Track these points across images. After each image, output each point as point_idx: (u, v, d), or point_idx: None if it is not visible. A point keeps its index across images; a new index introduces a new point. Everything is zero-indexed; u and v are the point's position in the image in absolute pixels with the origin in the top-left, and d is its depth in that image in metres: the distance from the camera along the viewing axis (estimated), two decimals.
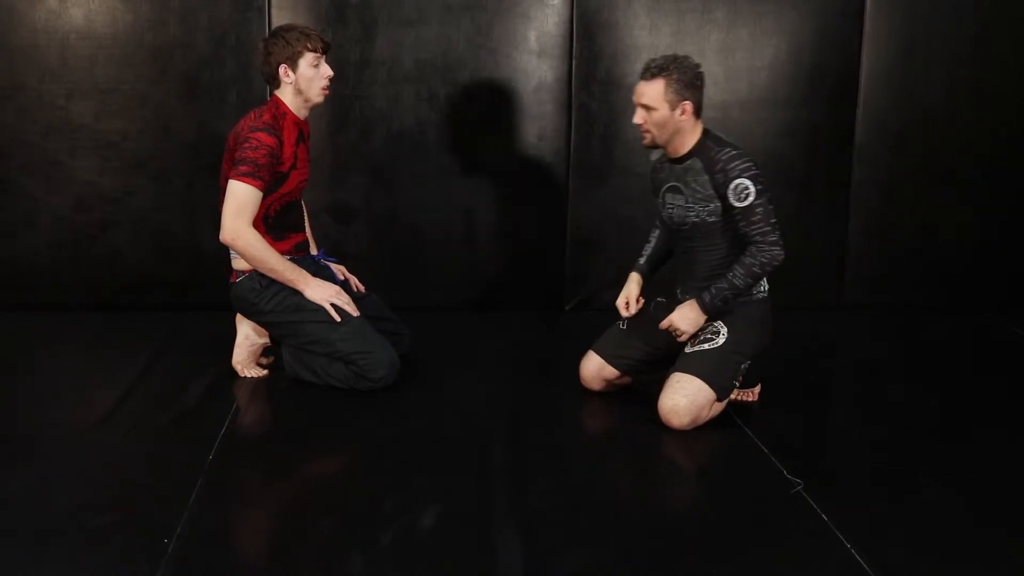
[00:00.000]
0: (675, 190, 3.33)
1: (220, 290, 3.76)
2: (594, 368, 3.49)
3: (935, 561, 2.40)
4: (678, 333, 3.28)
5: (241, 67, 4.47)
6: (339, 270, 3.82)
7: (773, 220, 3.17)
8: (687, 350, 3.25)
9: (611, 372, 3.47)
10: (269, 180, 3.41)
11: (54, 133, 4.47)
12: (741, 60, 4.62)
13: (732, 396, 3.49)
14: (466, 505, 2.65)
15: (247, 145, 3.39)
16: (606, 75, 4.61)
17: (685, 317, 3.26)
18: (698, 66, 3.26)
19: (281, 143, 3.44)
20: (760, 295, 3.34)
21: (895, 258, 4.87)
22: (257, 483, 2.84)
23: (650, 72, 3.21)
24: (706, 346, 3.22)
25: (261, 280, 3.51)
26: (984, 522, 2.62)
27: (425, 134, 4.61)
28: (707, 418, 3.19)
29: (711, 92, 4.61)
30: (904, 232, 4.85)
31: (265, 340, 3.72)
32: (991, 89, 4.73)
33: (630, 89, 4.58)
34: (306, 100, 3.54)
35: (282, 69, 3.49)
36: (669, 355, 3.33)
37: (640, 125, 3.25)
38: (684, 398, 3.14)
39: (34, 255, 4.57)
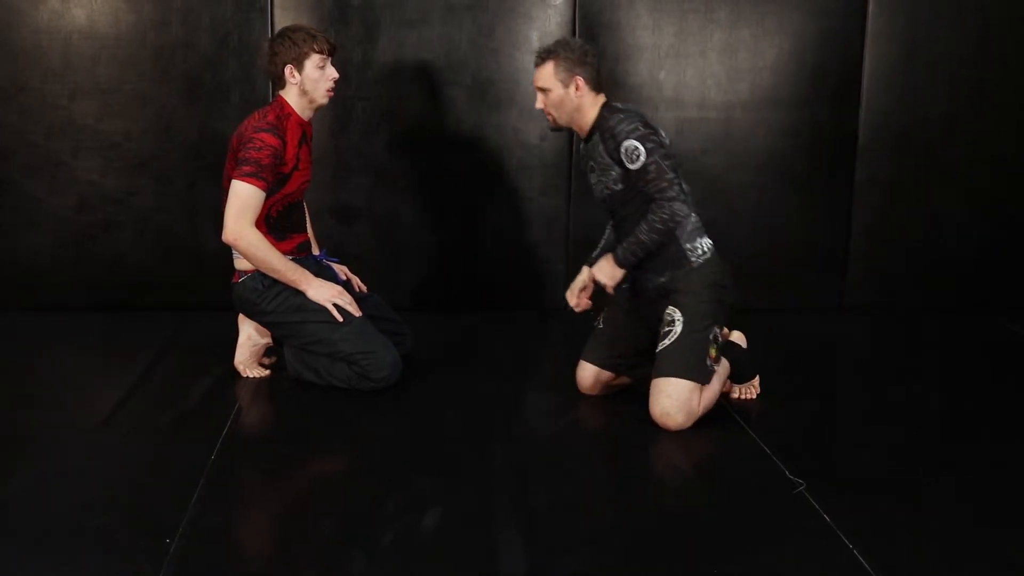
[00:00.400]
0: (591, 169, 3.39)
1: (222, 290, 3.77)
2: (590, 376, 3.49)
3: (938, 562, 2.40)
4: (602, 285, 3.34)
5: (243, 68, 4.47)
6: (341, 270, 3.82)
7: (670, 176, 3.19)
8: (657, 350, 3.25)
9: (607, 376, 3.47)
10: (272, 181, 3.42)
11: (56, 133, 4.47)
12: (743, 60, 4.62)
13: (734, 396, 3.50)
14: (468, 505, 2.65)
15: (251, 145, 3.39)
16: (608, 75, 4.59)
17: (602, 270, 3.34)
18: (586, 44, 3.38)
19: (284, 144, 3.45)
20: (700, 258, 3.32)
21: (897, 258, 4.87)
22: (259, 483, 2.84)
23: (540, 57, 3.33)
24: (667, 341, 3.22)
25: (263, 280, 3.51)
26: (987, 523, 2.61)
27: (427, 135, 4.61)
28: (703, 407, 3.20)
29: (713, 93, 4.65)
30: (906, 232, 4.85)
31: (267, 340, 3.72)
32: (993, 89, 4.73)
33: (633, 89, 4.62)
34: (311, 101, 3.54)
35: (288, 70, 3.49)
36: (655, 341, 3.33)
37: (542, 109, 3.35)
38: (669, 399, 3.15)
39: (36, 255, 4.57)
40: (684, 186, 3.29)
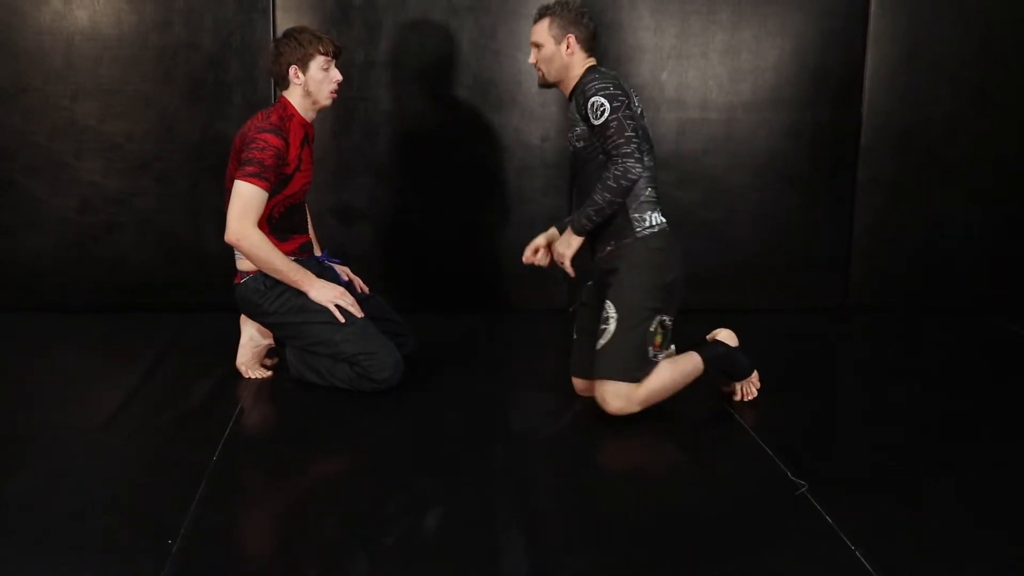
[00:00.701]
0: (571, 127, 3.43)
1: (224, 291, 3.77)
2: (581, 385, 3.51)
3: (940, 563, 2.40)
4: (560, 259, 3.38)
5: (246, 68, 4.47)
6: (343, 271, 3.83)
7: (629, 134, 3.20)
8: (598, 347, 3.26)
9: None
10: (274, 181, 3.42)
11: (59, 134, 4.48)
12: (746, 61, 4.63)
13: (737, 398, 3.50)
14: (469, 506, 2.65)
15: (254, 146, 3.39)
16: None
17: (562, 241, 3.39)
18: (582, 6, 3.42)
19: (287, 145, 3.45)
20: (646, 230, 3.31)
21: (899, 259, 4.87)
22: (261, 484, 2.84)
23: (538, 13, 3.42)
24: (602, 341, 3.24)
25: (266, 281, 3.51)
26: (989, 524, 2.61)
27: (429, 135, 4.61)
28: (648, 393, 3.21)
29: (715, 94, 4.65)
30: (908, 233, 4.84)
31: (269, 341, 3.73)
32: (995, 90, 4.73)
33: (634, 90, 4.58)
34: (314, 103, 3.55)
35: (292, 70, 3.49)
36: None
37: (534, 64, 3.43)
38: (609, 396, 3.20)
39: (38, 256, 4.58)
40: (646, 159, 3.30)
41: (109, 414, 3.29)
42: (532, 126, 4.62)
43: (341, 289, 3.55)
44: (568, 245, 3.37)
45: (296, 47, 3.49)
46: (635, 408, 3.21)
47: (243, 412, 3.37)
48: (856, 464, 3.02)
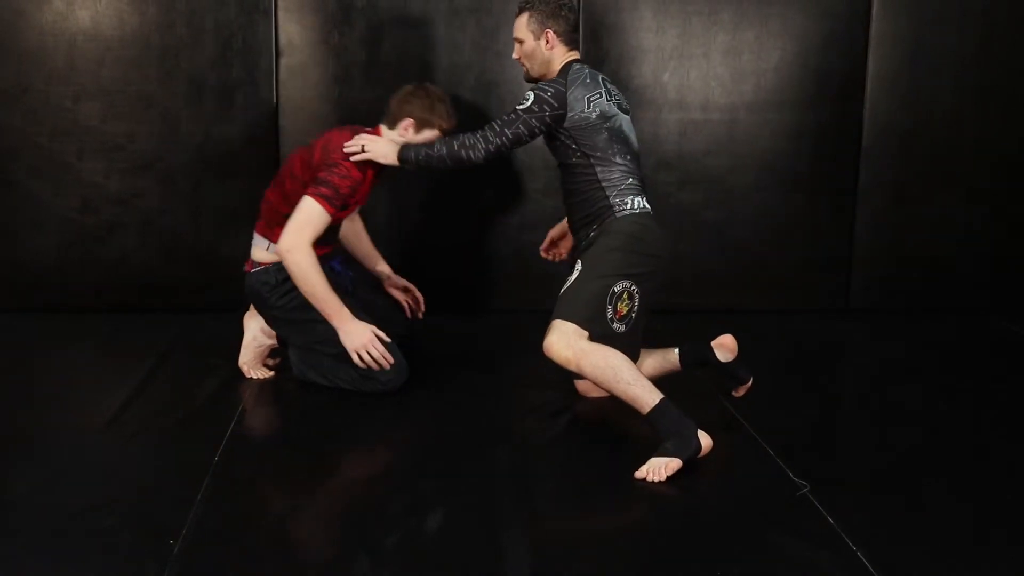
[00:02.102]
0: None
1: (227, 292, 3.78)
2: (585, 388, 3.51)
3: (942, 564, 2.39)
4: (356, 146, 3.39)
5: (248, 69, 4.48)
6: (400, 293, 3.84)
7: (509, 131, 3.23)
8: (560, 293, 3.23)
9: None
10: (339, 210, 3.41)
11: (61, 135, 4.48)
12: (747, 62, 4.63)
13: (738, 394, 3.51)
14: (472, 507, 2.65)
15: (336, 170, 3.37)
16: (612, 77, 4.57)
17: (373, 140, 3.42)
18: (558, 2, 3.39)
19: (364, 179, 3.44)
20: (625, 212, 3.27)
21: (902, 260, 4.87)
22: (263, 484, 2.84)
23: (519, 7, 3.42)
24: (565, 287, 3.22)
25: (277, 275, 3.49)
26: (991, 525, 2.61)
27: None
28: (592, 364, 3.03)
29: (717, 94, 4.65)
30: (911, 234, 4.84)
31: (272, 342, 3.72)
32: (997, 91, 4.73)
33: (636, 91, 4.62)
34: None
35: (408, 122, 3.49)
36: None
37: (518, 59, 3.45)
38: (552, 335, 3.11)
39: (40, 257, 4.58)
40: (618, 157, 3.27)
41: (111, 414, 3.29)
42: None
43: (370, 335, 3.42)
44: (383, 155, 3.37)
45: (426, 109, 3.49)
46: (571, 358, 3.05)
47: (245, 412, 3.37)
48: (858, 465, 3.02)
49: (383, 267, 3.94)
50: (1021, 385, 3.82)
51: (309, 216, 3.34)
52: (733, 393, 3.50)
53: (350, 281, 3.68)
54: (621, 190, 3.28)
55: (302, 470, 2.93)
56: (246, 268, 3.59)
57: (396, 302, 3.84)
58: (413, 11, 4.50)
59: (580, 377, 3.39)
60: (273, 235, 3.47)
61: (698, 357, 3.47)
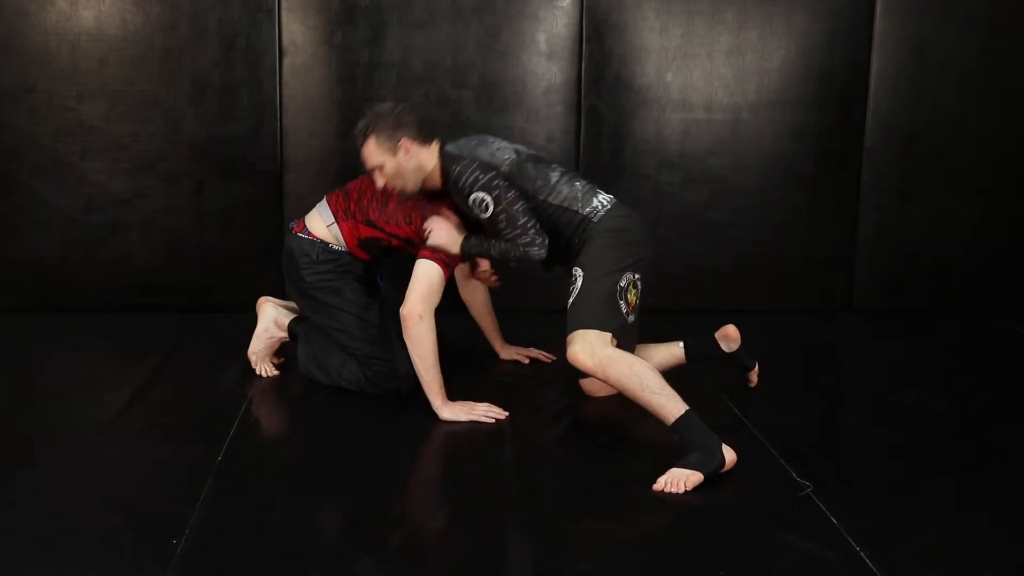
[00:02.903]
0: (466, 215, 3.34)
1: (230, 292, 3.78)
2: (587, 384, 3.52)
3: (944, 564, 2.39)
4: (426, 231, 3.29)
5: (251, 69, 4.48)
6: (524, 355, 3.96)
7: (522, 221, 3.18)
8: (568, 307, 3.20)
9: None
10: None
11: (64, 135, 4.48)
12: (751, 62, 4.62)
13: (753, 383, 3.55)
14: (476, 506, 2.65)
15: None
16: (615, 77, 4.61)
17: (440, 227, 3.27)
18: (396, 104, 3.33)
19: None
20: (599, 213, 3.26)
21: (905, 260, 4.86)
22: (266, 484, 2.84)
23: (359, 138, 3.26)
24: (571, 299, 3.19)
25: (321, 253, 3.47)
26: (993, 524, 2.61)
27: (434, 136, 4.60)
28: (622, 370, 2.99)
29: (720, 94, 4.64)
30: (914, 234, 4.84)
31: (283, 335, 3.72)
32: (1001, 91, 4.73)
33: (640, 91, 4.62)
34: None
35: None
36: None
37: (387, 188, 3.30)
38: (575, 343, 3.08)
39: (44, 256, 4.59)
40: (563, 189, 3.27)
41: (114, 414, 3.29)
42: (537, 127, 4.62)
43: (467, 411, 3.33)
44: (448, 240, 3.26)
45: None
46: (597, 366, 3.02)
47: (249, 412, 3.37)
48: (861, 465, 3.01)
49: (498, 344, 4.02)
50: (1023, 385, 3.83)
51: (431, 282, 3.27)
52: (749, 384, 3.57)
53: (386, 293, 3.66)
54: (581, 198, 3.29)
55: (305, 469, 2.93)
56: (294, 228, 3.56)
57: None
58: (416, 10, 4.50)
59: (586, 375, 3.40)
60: (340, 220, 3.46)
61: (703, 349, 3.49)
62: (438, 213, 3.34)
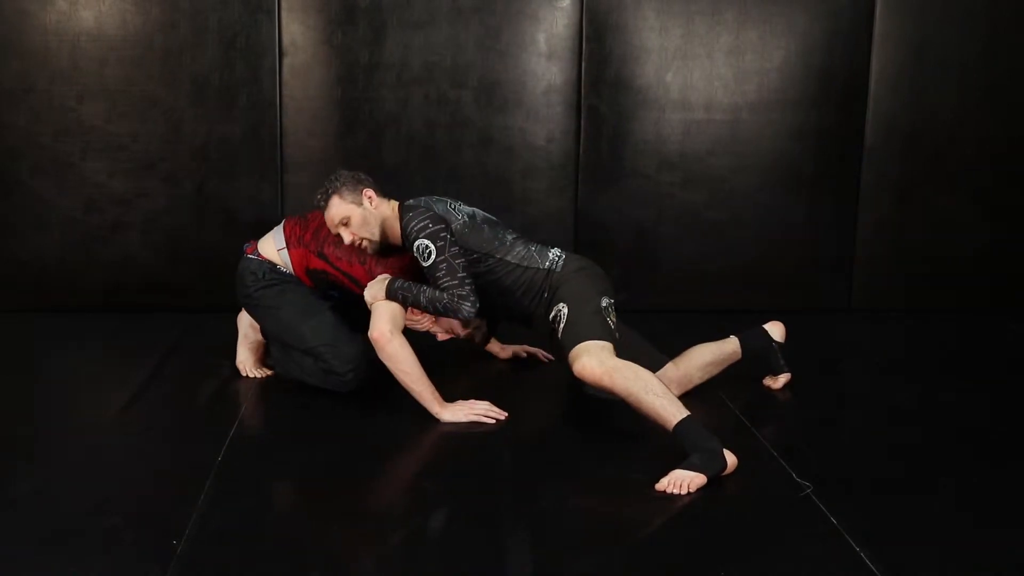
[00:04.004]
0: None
1: (230, 292, 3.76)
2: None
3: (945, 564, 2.39)
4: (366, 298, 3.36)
5: (251, 69, 4.48)
6: (518, 351, 3.96)
7: (461, 275, 3.23)
8: (559, 337, 3.24)
9: None
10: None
11: (65, 135, 4.48)
12: (751, 62, 4.62)
13: (765, 383, 3.62)
14: (475, 507, 2.65)
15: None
16: (615, 77, 4.61)
17: (371, 285, 3.34)
18: (352, 173, 3.43)
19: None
20: (558, 263, 3.36)
21: (905, 260, 4.86)
22: (266, 484, 2.84)
23: (322, 201, 3.37)
24: (561, 326, 3.23)
25: (268, 274, 3.50)
26: (995, 524, 2.61)
27: (434, 137, 4.61)
28: (627, 375, 3.00)
29: (720, 94, 4.65)
30: (914, 234, 4.84)
31: (260, 337, 3.72)
32: (1001, 91, 4.73)
33: (639, 91, 4.62)
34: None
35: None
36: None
37: (353, 242, 3.37)
38: (581, 355, 3.10)
39: (44, 256, 4.59)
40: (518, 248, 3.36)
41: (114, 414, 3.29)
42: (537, 127, 4.62)
43: (467, 410, 3.33)
44: (373, 295, 3.32)
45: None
46: (603, 375, 3.02)
47: (248, 412, 3.37)
48: (861, 465, 3.01)
49: (496, 345, 4.01)
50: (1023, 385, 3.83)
51: (391, 308, 3.29)
52: (772, 386, 3.62)
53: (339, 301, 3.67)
54: (537, 255, 3.37)
55: (305, 469, 2.93)
56: (247, 250, 3.59)
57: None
58: (416, 11, 4.50)
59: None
60: (291, 247, 3.51)
61: (759, 341, 3.59)
62: (393, 255, 3.43)
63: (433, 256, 3.23)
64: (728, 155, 4.70)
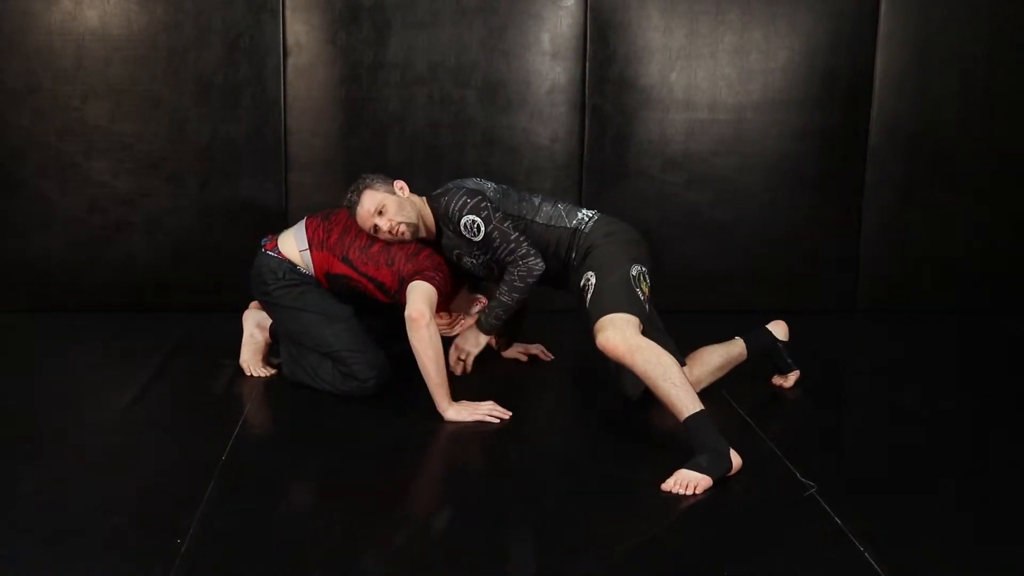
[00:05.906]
0: (459, 257, 3.47)
1: (233, 292, 3.78)
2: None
3: (948, 564, 2.39)
4: (464, 355, 3.49)
5: (255, 69, 4.48)
6: (533, 350, 3.99)
7: (515, 235, 3.29)
8: (586, 306, 3.22)
9: None
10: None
11: (69, 134, 4.49)
12: (755, 62, 4.62)
13: (775, 382, 3.62)
14: (478, 506, 2.65)
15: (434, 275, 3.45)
16: (619, 77, 4.61)
17: (467, 339, 3.51)
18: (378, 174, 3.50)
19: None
20: (588, 224, 3.37)
21: (909, 260, 4.86)
22: (269, 483, 2.84)
23: (355, 196, 3.41)
24: (589, 296, 3.22)
25: (288, 273, 3.50)
26: (996, 524, 2.60)
27: (438, 136, 4.61)
28: (649, 356, 2.98)
29: (724, 94, 4.65)
30: (918, 234, 4.84)
31: (267, 338, 3.72)
32: (1005, 91, 4.72)
33: (644, 91, 4.62)
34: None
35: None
36: None
37: (392, 232, 3.38)
38: (606, 327, 3.08)
39: (48, 256, 4.59)
40: (546, 208, 3.40)
41: (117, 413, 3.30)
42: (541, 127, 4.62)
43: (471, 412, 3.32)
44: (476, 343, 3.48)
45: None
46: (626, 352, 2.99)
47: (252, 412, 3.37)
48: (865, 465, 3.01)
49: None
50: None
51: (427, 290, 3.32)
52: (783, 385, 3.63)
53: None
54: (565, 215, 3.41)
55: (309, 469, 2.93)
56: (266, 245, 3.57)
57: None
58: (420, 10, 4.50)
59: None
60: (314, 249, 3.51)
61: (763, 341, 3.60)
62: (423, 253, 3.45)
63: (483, 229, 3.28)
64: (732, 155, 4.70)
